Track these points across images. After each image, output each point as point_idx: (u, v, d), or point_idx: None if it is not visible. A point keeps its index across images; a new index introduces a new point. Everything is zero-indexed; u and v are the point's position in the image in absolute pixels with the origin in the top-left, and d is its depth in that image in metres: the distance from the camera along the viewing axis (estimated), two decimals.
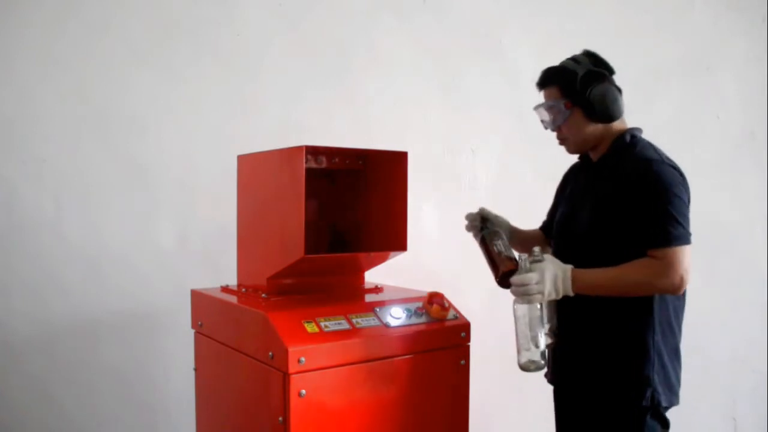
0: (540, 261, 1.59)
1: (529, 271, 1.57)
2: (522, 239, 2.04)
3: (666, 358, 1.67)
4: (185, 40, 2.68)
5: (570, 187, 1.92)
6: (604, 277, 1.59)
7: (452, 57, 2.97)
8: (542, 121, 1.81)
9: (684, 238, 1.55)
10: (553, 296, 1.58)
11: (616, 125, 1.74)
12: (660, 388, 1.65)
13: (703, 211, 3.25)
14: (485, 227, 1.89)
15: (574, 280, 1.58)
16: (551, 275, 1.56)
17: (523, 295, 1.57)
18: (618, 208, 1.62)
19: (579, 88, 1.68)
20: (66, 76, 2.58)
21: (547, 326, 1.66)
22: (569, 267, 1.59)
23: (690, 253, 1.56)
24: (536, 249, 1.62)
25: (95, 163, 2.62)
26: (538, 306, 1.59)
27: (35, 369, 2.60)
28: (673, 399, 1.69)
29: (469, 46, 2.98)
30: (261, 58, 2.76)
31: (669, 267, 1.53)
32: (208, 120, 2.71)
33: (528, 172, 3.00)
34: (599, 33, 3.03)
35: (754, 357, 3.27)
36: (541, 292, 1.56)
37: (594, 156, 1.80)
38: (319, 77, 2.82)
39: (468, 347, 1.94)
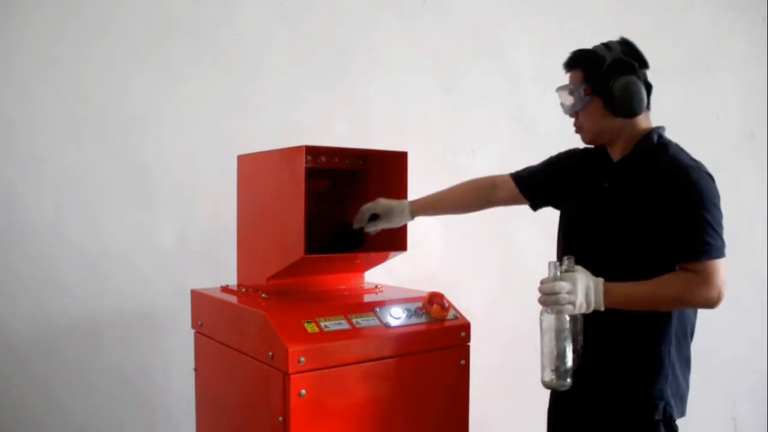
0: (572, 271, 1.48)
1: (561, 279, 1.46)
2: (452, 199, 2.02)
3: (678, 368, 1.61)
4: (185, 40, 2.68)
5: (581, 180, 1.76)
6: (637, 292, 1.50)
7: (452, 57, 2.97)
8: (561, 104, 1.71)
9: (721, 251, 1.48)
10: (584, 309, 1.47)
11: (640, 122, 1.63)
12: (672, 401, 1.60)
13: None
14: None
15: (606, 294, 1.48)
16: (583, 286, 1.46)
17: (553, 304, 1.45)
18: (648, 215, 1.53)
19: (603, 76, 1.58)
20: (66, 76, 2.58)
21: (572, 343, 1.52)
22: (601, 280, 1.49)
23: (726, 266, 1.49)
24: (566, 259, 1.50)
25: (95, 163, 2.62)
26: (567, 318, 1.47)
27: (35, 369, 2.60)
28: (684, 410, 1.65)
29: (469, 46, 2.98)
30: (261, 58, 2.76)
31: (707, 281, 1.46)
32: (208, 120, 2.71)
33: None
34: (599, 33, 3.01)
35: (754, 357, 3.27)
36: (572, 303, 1.44)
37: (615, 154, 1.68)
38: (319, 77, 2.82)
39: (468, 347, 1.94)
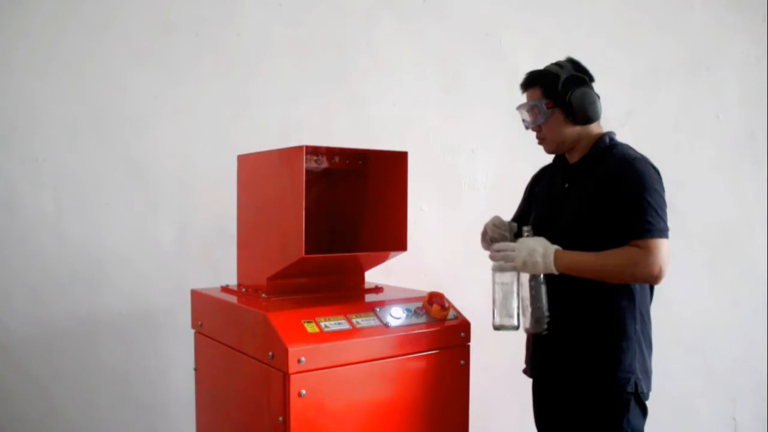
0: (524, 236, 1.74)
1: (512, 241, 1.73)
2: None
3: (644, 346, 1.75)
4: (185, 40, 2.68)
5: (543, 187, 1.97)
6: (586, 259, 1.66)
7: (452, 57, 2.97)
8: (523, 120, 1.88)
9: (664, 232, 1.63)
10: (530, 269, 1.68)
11: (594, 129, 1.81)
12: (641, 375, 1.72)
13: (703, 211, 3.28)
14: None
15: (557, 258, 1.66)
16: (528, 248, 1.68)
17: (499, 260, 1.71)
18: (602, 203, 1.69)
19: (560, 90, 1.76)
20: (66, 76, 2.58)
21: (518, 301, 1.74)
22: (555, 246, 1.69)
23: (668, 246, 1.64)
24: (525, 228, 1.76)
25: (95, 163, 2.62)
26: (512, 276, 1.72)
27: (35, 369, 2.60)
28: (650, 385, 1.77)
29: (469, 46, 2.98)
30: (261, 58, 2.76)
31: (649, 256, 1.60)
32: (208, 120, 2.71)
33: (528, 172, 2.99)
34: (599, 33, 3.03)
35: (754, 357, 3.27)
36: (512, 260, 1.69)
37: (572, 158, 1.86)
38: (319, 77, 2.82)
39: (468, 347, 1.94)
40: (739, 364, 3.26)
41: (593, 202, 1.71)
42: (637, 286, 1.73)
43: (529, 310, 1.72)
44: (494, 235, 1.88)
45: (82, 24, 2.59)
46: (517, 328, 1.75)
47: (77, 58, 2.59)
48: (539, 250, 1.68)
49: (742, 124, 3.24)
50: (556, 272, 1.68)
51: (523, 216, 2.03)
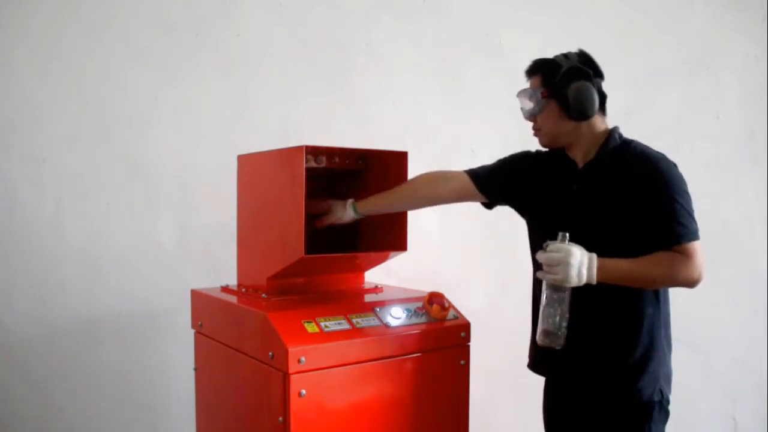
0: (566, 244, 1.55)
1: (558, 251, 1.52)
2: (399, 193, 1.97)
3: (666, 350, 1.71)
4: (185, 40, 2.68)
5: (546, 183, 1.81)
6: (628, 267, 1.56)
7: (452, 57, 2.97)
8: (522, 108, 1.80)
9: (697, 234, 1.59)
10: (575, 281, 1.52)
11: (597, 125, 1.72)
12: (664, 381, 1.68)
13: (703, 211, 3.26)
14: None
15: (599, 268, 1.54)
16: (577, 258, 1.51)
17: (549, 274, 1.53)
18: (625, 208, 1.61)
19: (558, 81, 1.68)
20: (66, 76, 2.58)
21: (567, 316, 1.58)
22: (594, 254, 1.55)
23: (702, 248, 1.60)
24: (561, 234, 1.56)
25: (95, 163, 2.62)
26: (563, 288, 1.54)
27: (35, 369, 2.60)
28: (671, 388, 1.73)
29: (469, 46, 2.98)
30: (261, 58, 2.76)
31: (689, 261, 1.56)
32: (208, 120, 2.71)
33: None
34: (599, 33, 3.03)
35: (754, 357, 3.27)
36: (566, 273, 1.50)
37: (578, 157, 1.75)
38: (319, 77, 2.82)
39: (468, 347, 1.94)
40: (739, 364, 3.26)
41: (617, 207, 1.62)
42: (661, 291, 1.67)
43: (549, 321, 1.57)
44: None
45: (82, 24, 2.58)
46: (562, 346, 1.58)
47: (77, 58, 2.59)
48: (585, 261, 1.52)
49: (742, 124, 3.24)
50: (594, 283, 1.55)
51: (497, 182, 1.90)
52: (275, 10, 2.77)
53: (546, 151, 1.86)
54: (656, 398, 1.66)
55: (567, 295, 1.55)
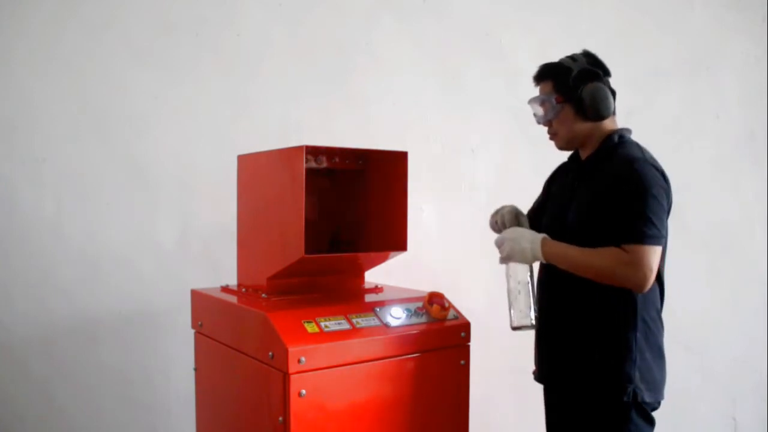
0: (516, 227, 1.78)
1: (506, 232, 1.75)
2: None
3: (648, 355, 1.69)
4: (185, 40, 2.68)
5: (557, 185, 1.93)
6: (573, 252, 1.66)
7: (452, 57, 2.97)
8: (535, 114, 1.84)
9: (655, 239, 1.59)
10: (518, 257, 1.70)
11: (606, 125, 1.76)
12: (642, 385, 1.67)
13: (703, 211, 3.28)
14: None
15: (543, 245, 1.68)
16: (516, 234, 1.72)
17: (499, 254, 1.74)
18: (603, 204, 1.66)
19: (571, 85, 1.72)
20: (66, 76, 2.58)
21: (532, 298, 1.73)
22: (541, 235, 1.71)
23: (658, 255, 1.60)
24: (522, 218, 1.82)
25: (95, 163, 2.62)
26: (525, 271, 1.73)
27: (35, 369, 2.60)
28: (658, 396, 1.72)
29: (469, 46, 2.98)
30: (261, 58, 2.76)
31: (635, 262, 1.57)
32: (208, 120, 2.71)
33: (528, 172, 2.99)
34: (599, 33, 3.03)
35: (754, 357, 3.27)
36: (501, 245, 1.73)
37: (583, 155, 1.82)
38: (319, 77, 2.82)
39: (468, 347, 1.94)
40: (739, 364, 3.26)
41: (596, 202, 1.68)
42: (639, 297, 1.68)
43: (517, 302, 1.72)
44: (504, 221, 1.84)
45: (82, 24, 2.59)
46: (534, 326, 1.73)
47: (77, 58, 2.59)
48: (527, 236, 1.71)
49: (742, 124, 3.24)
50: (543, 260, 1.70)
51: (536, 213, 1.98)
52: (275, 10, 2.77)
53: (564, 162, 1.95)
54: (626, 399, 1.65)
55: (524, 275, 1.72)
